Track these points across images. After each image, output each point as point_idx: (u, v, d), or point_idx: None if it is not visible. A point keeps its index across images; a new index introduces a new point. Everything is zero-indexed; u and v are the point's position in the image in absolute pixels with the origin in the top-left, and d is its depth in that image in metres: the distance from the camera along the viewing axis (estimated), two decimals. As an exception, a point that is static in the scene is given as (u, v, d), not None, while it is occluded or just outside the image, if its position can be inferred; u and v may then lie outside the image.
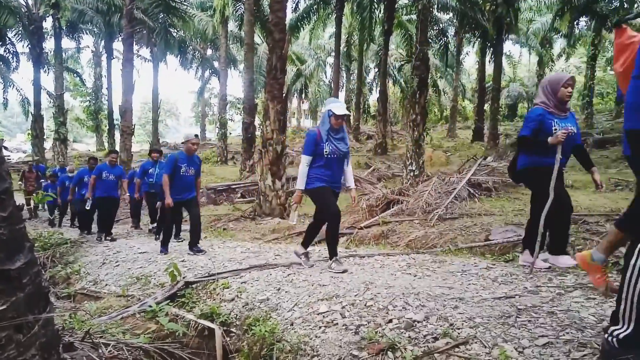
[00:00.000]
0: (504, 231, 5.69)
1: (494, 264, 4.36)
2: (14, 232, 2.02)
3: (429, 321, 2.83)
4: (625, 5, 19.77)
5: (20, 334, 1.95)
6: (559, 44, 34.35)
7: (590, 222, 5.70)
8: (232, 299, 3.92)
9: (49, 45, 24.98)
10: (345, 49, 28.57)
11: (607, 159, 14.99)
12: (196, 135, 6.30)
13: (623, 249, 4.32)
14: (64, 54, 26.01)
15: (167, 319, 3.64)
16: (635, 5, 20.34)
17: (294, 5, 22.45)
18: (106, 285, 5.43)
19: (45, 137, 22.99)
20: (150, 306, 3.95)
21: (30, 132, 23.10)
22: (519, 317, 2.74)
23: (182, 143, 6.34)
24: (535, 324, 2.63)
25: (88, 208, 8.51)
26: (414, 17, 22.35)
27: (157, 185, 8.29)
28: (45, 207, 13.45)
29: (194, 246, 6.20)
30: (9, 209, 2.00)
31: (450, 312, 2.90)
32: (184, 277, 4.51)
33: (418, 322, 2.83)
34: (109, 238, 8.15)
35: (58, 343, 2.28)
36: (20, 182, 13.86)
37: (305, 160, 4.41)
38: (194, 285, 4.38)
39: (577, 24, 23.55)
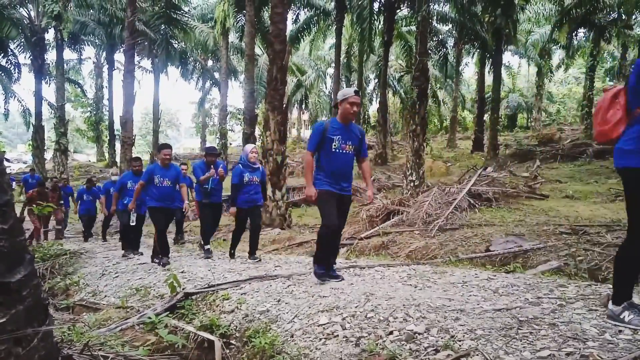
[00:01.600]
0: (505, 242, 5.68)
1: (495, 275, 4.34)
2: (15, 244, 2.02)
3: (430, 333, 2.81)
4: (623, 17, 19.97)
5: (20, 347, 1.94)
6: (558, 54, 34.64)
7: (591, 233, 5.70)
8: (232, 311, 3.90)
9: (50, 56, 25.30)
10: (345, 60, 28.78)
11: (607, 170, 15.01)
12: (356, 92, 4.05)
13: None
14: (65, 65, 26.22)
15: (167, 331, 3.61)
16: (633, 17, 20.53)
17: (295, 16, 22.67)
18: (105, 296, 5.41)
19: (46, 147, 23.06)
20: (149, 318, 3.92)
21: (31, 142, 23.17)
22: (520, 329, 2.72)
23: (340, 103, 4.04)
24: (536, 335, 2.61)
25: (133, 223, 6.88)
26: (413, 28, 22.57)
27: (216, 192, 6.78)
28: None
29: (332, 269, 4.41)
30: (10, 221, 2.00)
31: (451, 323, 2.88)
32: (183, 289, 4.49)
33: (419, 333, 2.81)
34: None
35: (57, 356, 2.27)
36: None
37: None
38: (193, 297, 4.36)
39: (576, 35, 23.81)
